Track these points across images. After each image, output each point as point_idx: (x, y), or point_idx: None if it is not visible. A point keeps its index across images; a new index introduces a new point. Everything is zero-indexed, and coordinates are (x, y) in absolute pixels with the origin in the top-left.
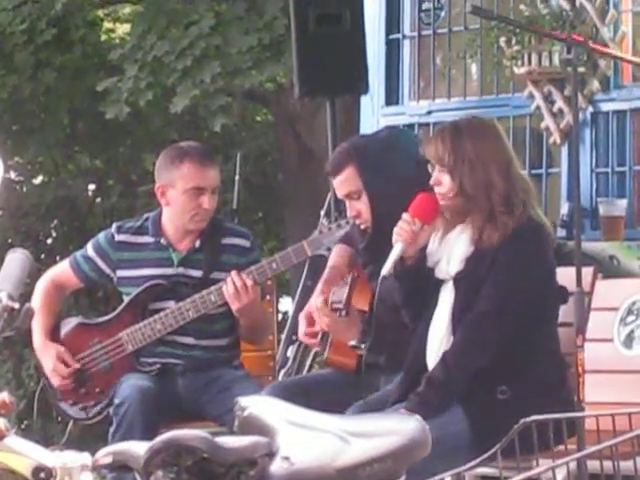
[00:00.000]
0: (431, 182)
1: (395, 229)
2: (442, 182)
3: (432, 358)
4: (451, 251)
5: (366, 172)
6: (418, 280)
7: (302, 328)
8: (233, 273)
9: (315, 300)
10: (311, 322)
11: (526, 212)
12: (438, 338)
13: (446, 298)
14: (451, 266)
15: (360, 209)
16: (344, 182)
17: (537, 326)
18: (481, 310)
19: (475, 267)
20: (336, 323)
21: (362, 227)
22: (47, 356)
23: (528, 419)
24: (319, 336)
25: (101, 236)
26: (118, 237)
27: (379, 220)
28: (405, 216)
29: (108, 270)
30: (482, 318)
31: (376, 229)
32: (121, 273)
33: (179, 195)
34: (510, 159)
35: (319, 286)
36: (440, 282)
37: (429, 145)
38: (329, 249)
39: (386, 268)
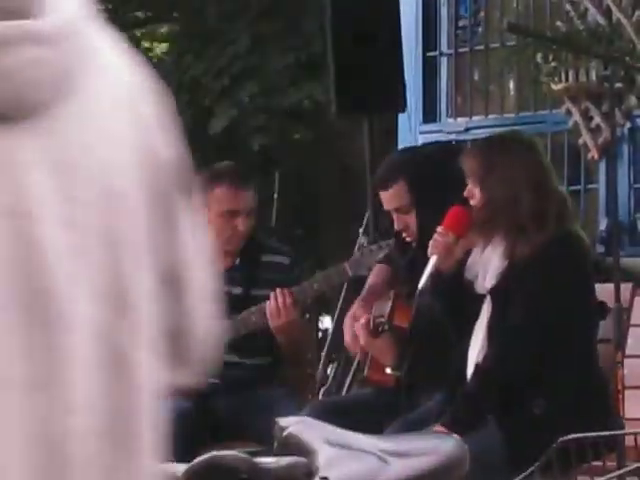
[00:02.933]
0: (465, 194)
1: (430, 242)
2: (475, 195)
3: (471, 372)
4: (486, 266)
5: (417, 188)
6: (456, 294)
7: (348, 335)
8: (277, 291)
9: (356, 312)
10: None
11: (561, 226)
12: (476, 352)
13: (484, 312)
14: (487, 281)
15: (408, 223)
16: (394, 196)
17: (572, 340)
18: (512, 324)
19: (509, 281)
20: (372, 345)
21: (408, 239)
22: None
23: (565, 438)
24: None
25: None
26: None
27: (425, 237)
28: (439, 229)
29: None
30: (513, 332)
31: (421, 246)
32: None
33: (214, 218)
34: (543, 174)
35: (356, 303)
36: (482, 297)
37: (464, 159)
38: (370, 269)
39: (423, 281)
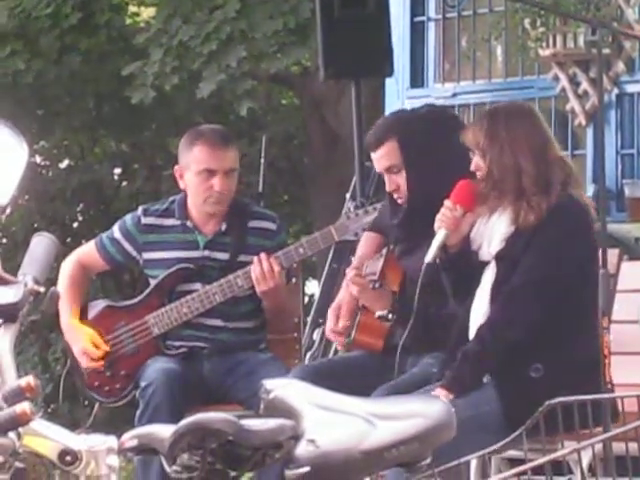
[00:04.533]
0: (472, 168)
1: (437, 216)
2: (481, 167)
3: (474, 333)
4: (492, 232)
5: (408, 148)
6: (463, 268)
7: (330, 324)
8: (262, 255)
9: (338, 302)
10: (339, 318)
11: (565, 192)
12: (480, 315)
13: (488, 277)
14: (492, 246)
15: (399, 183)
16: (385, 156)
17: (576, 305)
18: (515, 284)
19: (515, 245)
20: (366, 291)
21: (399, 201)
22: (76, 337)
23: (553, 401)
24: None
25: (128, 218)
26: (144, 220)
27: (415, 197)
28: (447, 203)
29: (134, 252)
30: (516, 291)
31: (411, 206)
32: (147, 255)
33: (193, 177)
34: (546, 142)
35: (348, 274)
36: (484, 265)
37: (467, 131)
38: (356, 234)
39: (430, 255)
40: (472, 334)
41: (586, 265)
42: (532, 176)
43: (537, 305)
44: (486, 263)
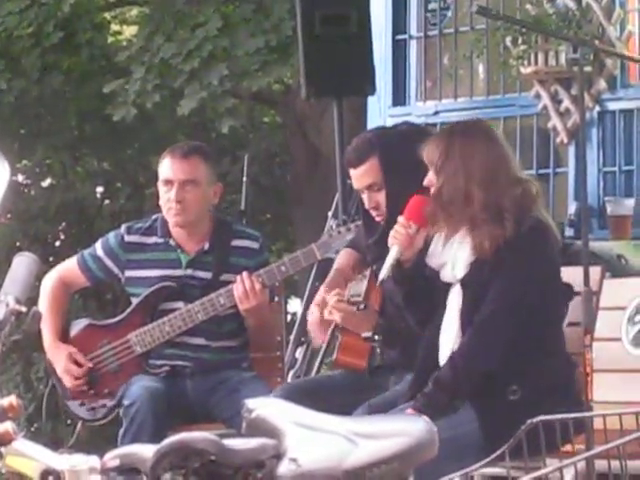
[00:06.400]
0: (425, 183)
1: (391, 232)
2: (433, 183)
3: (444, 361)
4: (455, 255)
5: (387, 165)
6: (417, 283)
7: (315, 315)
8: (244, 274)
9: (323, 295)
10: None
11: (524, 216)
12: (449, 341)
13: (454, 301)
14: (457, 270)
15: (379, 201)
16: (366, 173)
17: (545, 326)
18: (487, 312)
19: (480, 271)
20: (351, 316)
21: (378, 219)
22: (58, 357)
23: (535, 419)
24: (329, 334)
25: (111, 236)
26: (128, 238)
27: (394, 215)
28: (400, 219)
29: (116, 270)
30: (488, 320)
31: (389, 224)
32: (129, 273)
33: (160, 190)
34: (501, 164)
35: (322, 287)
36: (447, 285)
37: (425, 147)
38: (338, 252)
39: (383, 272)
40: (442, 356)
41: (551, 286)
42: (481, 202)
43: (508, 332)
44: (448, 284)
